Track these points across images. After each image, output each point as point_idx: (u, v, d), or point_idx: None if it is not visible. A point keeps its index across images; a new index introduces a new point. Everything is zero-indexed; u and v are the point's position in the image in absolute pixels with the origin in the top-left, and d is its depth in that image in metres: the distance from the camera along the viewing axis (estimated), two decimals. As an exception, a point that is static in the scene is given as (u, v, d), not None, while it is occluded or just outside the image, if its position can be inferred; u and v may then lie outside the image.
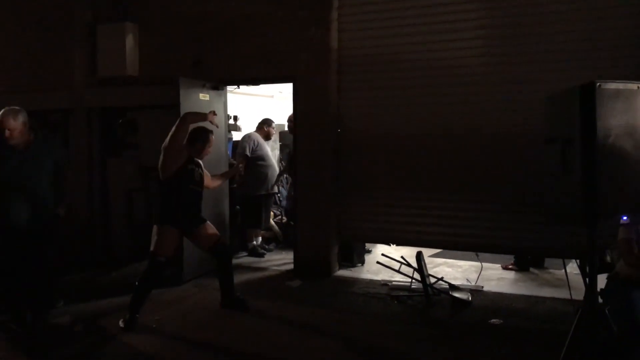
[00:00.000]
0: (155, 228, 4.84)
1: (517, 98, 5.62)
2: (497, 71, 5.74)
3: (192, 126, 4.99)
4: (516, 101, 5.62)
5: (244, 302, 5.19)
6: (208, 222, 5.11)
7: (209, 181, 5.23)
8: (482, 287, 5.83)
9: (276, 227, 8.24)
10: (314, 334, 4.69)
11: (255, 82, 6.75)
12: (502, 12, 5.69)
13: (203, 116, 5.06)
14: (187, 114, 5.06)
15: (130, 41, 7.02)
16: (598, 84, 2.62)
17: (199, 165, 5.02)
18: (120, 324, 4.68)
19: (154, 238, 4.82)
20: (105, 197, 7.35)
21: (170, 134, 4.82)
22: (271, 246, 8.00)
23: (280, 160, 11.67)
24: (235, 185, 7.37)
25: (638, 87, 2.72)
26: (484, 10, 5.78)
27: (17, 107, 4.89)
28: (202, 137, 4.96)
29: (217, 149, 6.58)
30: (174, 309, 5.25)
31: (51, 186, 5.03)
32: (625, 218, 2.75)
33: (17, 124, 4.78)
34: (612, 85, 2.66)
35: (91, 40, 7.21)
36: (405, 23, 6.06)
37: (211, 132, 5.07)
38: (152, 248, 4.82)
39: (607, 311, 2.78)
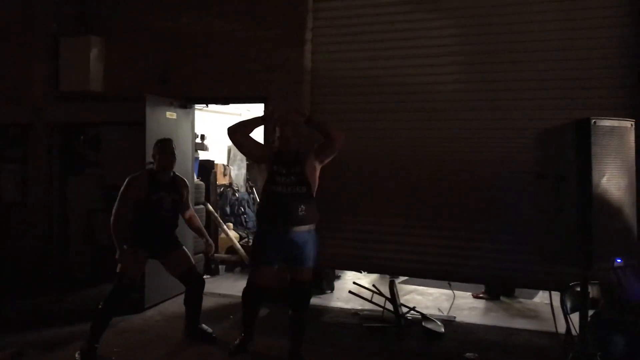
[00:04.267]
0: (125, 249, 4.58)
1: (491, 126, 5.56)
2: (472, 99, 5.66)
3: None
4: (491, 129, 5.56)
5: (209, 334, 4.93)
6: (184, 248, 4.90)
7: (189, 216, 5.05)
8: (455, 317, 5.70)
9: (242, 250, 7.99)
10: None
11: (226, 101, 6.56)
12: (479, 38, 5.64)
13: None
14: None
15: (94, 55, 6.77)
16: (593, 120, 2.52)
17: (173, 190, 4.77)
18: (77, 356, 4.37)
19: (119, 259, 4.57)
20: (65, 218, 7.01)
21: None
22: (237, 270, 7.78)
23: (248, 180, 11.53)
24: None
25: (632, 124, 2.64)
26: (461, 37, 5.71)
27: None
28: (156, 150, 4.78)
29: (183, 168, 6.36)
30: (135, 339, 4.95)
31: None
32: (619, 260, 2.65)
33: None
34: (607, 122, 2.58)
35: (54, 53, 6.93)
36: (381, 47, 5.96)
37: (164, 140, 4.87)
38: (118, 269, 4.55)
39: (598, 357, 2.67)
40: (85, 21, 6.90)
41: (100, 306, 4.47)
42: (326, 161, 4.50)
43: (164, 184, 4.73)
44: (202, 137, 9.63)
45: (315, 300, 6.24)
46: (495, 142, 5.53)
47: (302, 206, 4.23)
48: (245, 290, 4.58)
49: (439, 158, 5.77)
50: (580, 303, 2.76)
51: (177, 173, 4.92)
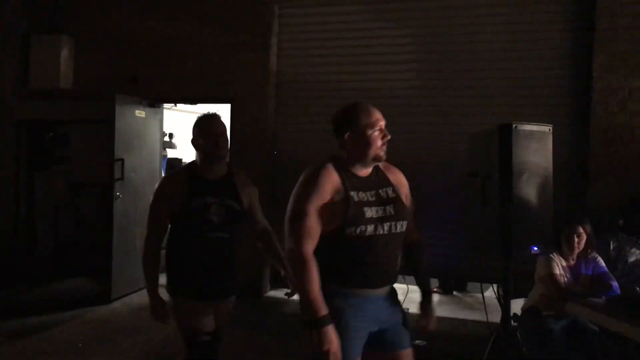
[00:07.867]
0: (169, 299, 3.00)
1: (441, 130, 5.96)
2: (420, 104, 6.07)
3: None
4: (441, 133, 5.96)
5: None
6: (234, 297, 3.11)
7: (262, 228, 3.21)
8: (408, 309, 6.01)
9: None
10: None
11: (193, 101, 6.77)
12: (435, 47, 6.05)
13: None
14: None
15: (65, 54, 6.92)
16: (514, 125, 2.87)
17: (227, 194, 2.97)
18: None
19: (175, 316, 2.98)
20: (31, 213, 7.14)
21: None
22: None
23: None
24: None
25: (549, 129, 2.99)
26: (418, 45, 6.11)
27: None
28: (197, 132, 2.99)
29: (151, 167, 6.57)
30: (101, 330, 5.13)
31: None
32: (535, 249, 3.00)
33: None
34: (527, 127, 2.93)
35: (24, 50, 7.06)
36: (343, 53, 6.28)
37: (206, 116, 3.04)
38: (181, 332, 2.99)
39: (518, 334, 3.01)
40: (56, 21, 7.04)
41: None
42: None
43: (212, 184, 2.97)
44: (171, 135, 9.84)
45: (277, 294, 6.52)
46: (445, 144, 5.93)
47: (400, 253, 2.55)
48: None
49: (394, 158, 6.02)
50: (504, 290, 3.11)
51: (235, 166, 3.17)
